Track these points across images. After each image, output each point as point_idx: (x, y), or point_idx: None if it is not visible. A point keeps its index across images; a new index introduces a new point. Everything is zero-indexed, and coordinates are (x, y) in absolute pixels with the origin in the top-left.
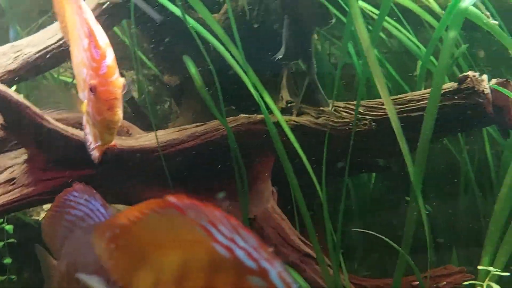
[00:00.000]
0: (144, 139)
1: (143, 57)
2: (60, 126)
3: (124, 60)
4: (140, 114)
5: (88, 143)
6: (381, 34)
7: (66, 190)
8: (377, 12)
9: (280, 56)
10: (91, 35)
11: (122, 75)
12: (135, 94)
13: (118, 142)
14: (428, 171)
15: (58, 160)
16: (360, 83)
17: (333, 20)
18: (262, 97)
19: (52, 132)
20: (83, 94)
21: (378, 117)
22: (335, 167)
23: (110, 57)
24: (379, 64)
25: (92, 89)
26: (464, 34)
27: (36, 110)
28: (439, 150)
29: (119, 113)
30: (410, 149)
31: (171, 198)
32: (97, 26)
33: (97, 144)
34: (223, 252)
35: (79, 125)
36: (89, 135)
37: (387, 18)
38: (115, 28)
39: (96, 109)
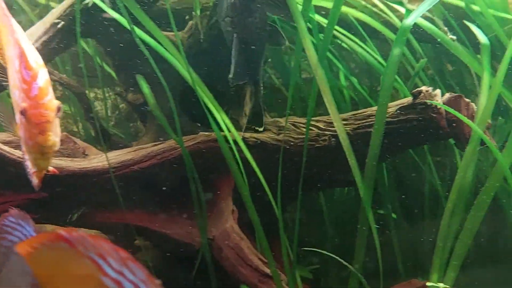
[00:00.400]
0: (97, 160)
1: (113, 74)
2: (7, 149)
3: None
4: (105, 134)
5: (27, 169)
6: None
7: (3, 215)
8: (339, 28)
9: (231, 76)
10: (21, 55)
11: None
12: (104, 112)
13: (71, 164)
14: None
15: (8, 184)
16: (311, 99)
17: (286, 43)
18: (210, 114)
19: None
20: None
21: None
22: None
23: (42, 78)
24: (346, 78)
25: (23, 112)
26: (433, 47)
27: None
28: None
29: (52, 137)
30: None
31: (61, 232)
32: (29, 46)
33: (34, 170)
34: (112, 285)
35: None
36: (27, 161)
37: (348, 34)
38: (83, 44)
39: (28, 133)
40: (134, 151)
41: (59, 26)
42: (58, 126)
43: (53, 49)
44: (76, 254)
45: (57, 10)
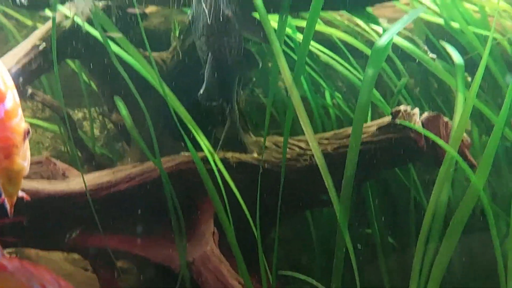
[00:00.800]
0: (75, 183)
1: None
2: None
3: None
4: (88, 154)
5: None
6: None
7: None
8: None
9: (200, 92)
10: None
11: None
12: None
13: (48, 186)
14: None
15: None
16: (287, 118)
17: (260, 65)
18: (184, 135)
19: None
20: None
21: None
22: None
23: (9, 101)
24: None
25: None
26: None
27: None
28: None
29: (19, 162)
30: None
31: (3, 261)
32: None
33: (3, 196)
34: None
35: None
36: None
37: (332, 54)
38: (70, 63)
39: None
40: (113, 172)
41: (40, 48)
42: (28, 150)
43: (34, 70)
44: (17, 284)
45: (40, 31)
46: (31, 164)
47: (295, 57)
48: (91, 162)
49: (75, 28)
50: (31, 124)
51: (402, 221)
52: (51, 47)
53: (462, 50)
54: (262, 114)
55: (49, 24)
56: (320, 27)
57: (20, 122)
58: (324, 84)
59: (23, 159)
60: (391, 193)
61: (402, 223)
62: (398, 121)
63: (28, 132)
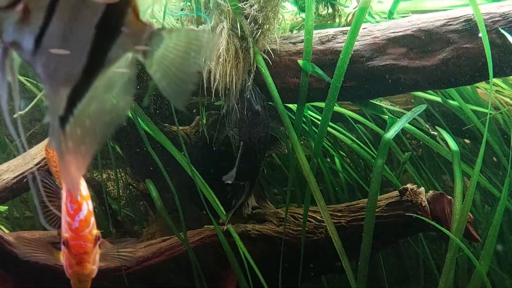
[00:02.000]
0: (110, 258)
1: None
2: (20, 249)
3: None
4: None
5: None
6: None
7: None
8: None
9: (229, 181)
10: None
11: None
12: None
13: None
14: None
15: (27, 281)
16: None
17: (285, 151)
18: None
19: (10, 255)
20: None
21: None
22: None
23: (84, 211)
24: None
25: (65, 243)
26: None
27: (7, 237)
28: None
29: (89, 267)
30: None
31: None
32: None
33: None
34: None
35: (52, 244)
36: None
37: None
38: None
39: (67, 262)
40: (144, 247)
41: None
42: (97, 254)
43: None
44: None
45: None
46: None
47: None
48: (119, 228)
49: None
50: None
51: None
52: None
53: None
54: (276, 172)
55: None
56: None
57: (92, 230)
58: (334, 154)
59: (93, 263)
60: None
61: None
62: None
63: (99, 238)
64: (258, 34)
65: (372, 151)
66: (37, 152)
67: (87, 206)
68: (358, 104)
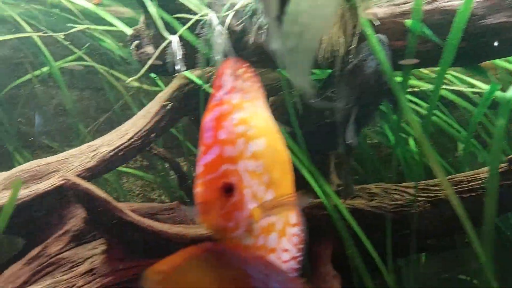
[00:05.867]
0: None
1: None
2: (136, 218)
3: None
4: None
5: None
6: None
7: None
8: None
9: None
10: None
11: None
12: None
13: (186, 231)
14: None
15: (134, 250)
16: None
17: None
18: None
19: (129, 224)
20: None
21: (431, 199)
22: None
23: (211, 155)
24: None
25: None
26: None
27: (116, 204)
28: None
29: (210, 219)
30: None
31: (208, 244)
32: None
33: None
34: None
35: (148, 215)
36: None
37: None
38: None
39: None
40: None
41: (168, 107)
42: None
43: (163, 126)
44: (222, 263)
45: (165, 93)
46: (164, 210)
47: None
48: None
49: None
50: (124, 173)
51: None
52: (175, 106)
53: None
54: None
55: (172, 86)
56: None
57: (219, 178)
58: None
59: (223, 217)
60: None
61: None
62: None
63: (231, 189)
64: None
65: None
66: (128, 128)
67: (220, 151)
68: (466, 69)
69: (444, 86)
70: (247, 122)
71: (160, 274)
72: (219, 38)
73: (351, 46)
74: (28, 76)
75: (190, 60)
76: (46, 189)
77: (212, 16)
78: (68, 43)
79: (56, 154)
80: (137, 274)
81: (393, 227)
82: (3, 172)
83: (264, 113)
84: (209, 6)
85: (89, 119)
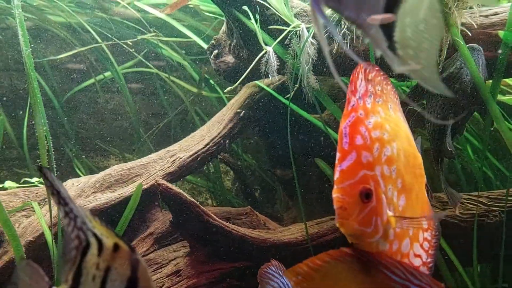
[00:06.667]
0: (288, 233)
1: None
2: (223, 222)
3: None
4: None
5: None
6: None
7: (267, 264)
8: None
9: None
10: None
11: None
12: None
13: (267, 236)
14: None
15: (217, 253)
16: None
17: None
18: None
19: (215, 228)
20: None
21: (506, 209)
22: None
23: (349, 161)
24: None
25: None
26: None
27: (203, 208)
28: None
29: (347, 224)
30: None
31: (346, 249)
32: None
33: None
34: None
35: (225, 219)
36: None
37: None
38: None
39: None
40: (317, 224)
41: (241, 115)
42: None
43: (236, 133)
44: (362, 268)
45: (237, 101)
46: (239, 214)
47: None
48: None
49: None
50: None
51: None
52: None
53: None
54: None
55: (244, 94)
56: None
57: (357, 184)
58: None
59: (360, 223)
60: None
61: None
62: None
63: (368, 195)
64: (455, 6)
65: None
66: (204, 134)
67: (357, 156)
68: None
69: None
70: (381, 126)
71: (300, 275)
72: (310, 49)
73: (442, 56)
74: (91, 81)
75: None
76: (132, 193)
77: (303, 27)
78: (132, 50)
79: (111, 157)
80: (219, 276)
81: (466, 237)
82: (92, 175)
83: (396, 116)
84: (296, 17)
85: (142, 122)
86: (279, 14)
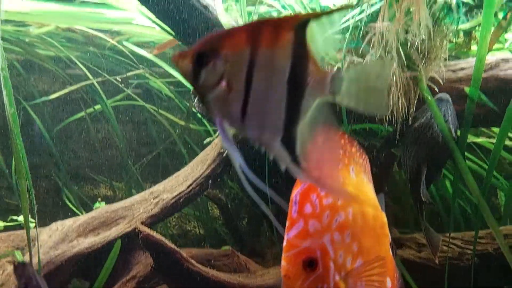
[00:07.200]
0: (267, 277)
1: None
2: (202, 268)
3: None
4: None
5: None
6: None
7: None
8: None
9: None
10: None
11: None
12: None
13: (246, 281)
14: None
15: None
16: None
17: None
18: None
19: (195, 274)
20: None
21: (478, 252)
22: None
23: (296, 230)
24: None
25: None
26: None
27: (183, 254)
28: None
29: None
30: None
31: None
32: None
33: None
34: None
35: (206, 261)
36: None
37: None
38: None
39: None
40: None
41: (224, 155)
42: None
43: (219, 173)
44: None
45: (220, 141)
46: (220, 256)
47: None
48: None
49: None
50: None
51: None
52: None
53: None
54: None
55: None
56: None
57: (301, 254)
58: None
59: None
60: None
61: None
62: None
63: (314, 266)
64: (423, 63)
65: None
66: (187, 174)
67: (305, 225)
68: None
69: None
70: None
71: None
72: None
73: (412, 109)
74: (81, 114)
75: None
76: (115, 236)
77: None
78: (122, 85)
79: (101, 186)
80: None
81: (441, 279)
82: (78, 217)
83: (358, 178)
84: None
85: (132, 151)
86: None
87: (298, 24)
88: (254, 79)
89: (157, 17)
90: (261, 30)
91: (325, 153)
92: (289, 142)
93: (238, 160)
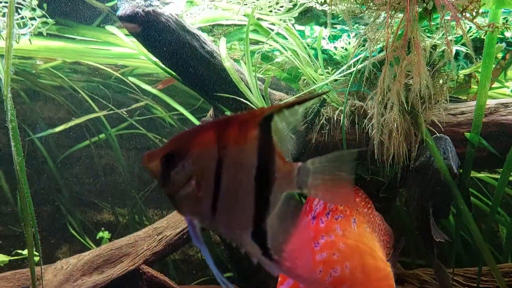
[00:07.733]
0: None
1: None
2: None
3: None
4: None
5: None
6: None
7: None
8: None
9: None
10: None
11: None
12: None
13: None
14: None
15: None
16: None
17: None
18: None
19: None
20: None
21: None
22: None
23: None
24: None
25: None
26: None
27: None
28: None
29: None
30: None
31: None
32: None
33: None
34: None
35: None
36: None
37: None
38: None
39: None
40: None
41: None
42: None
43: None
44: None
45: None
46: None
47: None
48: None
49: None
50: None
51: None
52: None
53: None
54: None
55: None
56: None
57: None
58: None
59: None
60: None
61: None
62: None
63: None
64: (423, 108)
65: None
66: None
67: (295, 282)
68: None
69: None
70: (332, 246)
71: None
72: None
73: (413, 153)
74: (85, 143)
75: None
76: (119, 275)
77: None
78: (126, 115)
79: (104, 212)
80: None
81: None
82: (82, 255)
83: (360, 229)
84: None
85: (135, 177)
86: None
87: (263, 119)
88: (223, 177)
89: (163, 63)
90: (228, 128)
91: (296, 243)
92: (259, 235)
93: (208, 260)
